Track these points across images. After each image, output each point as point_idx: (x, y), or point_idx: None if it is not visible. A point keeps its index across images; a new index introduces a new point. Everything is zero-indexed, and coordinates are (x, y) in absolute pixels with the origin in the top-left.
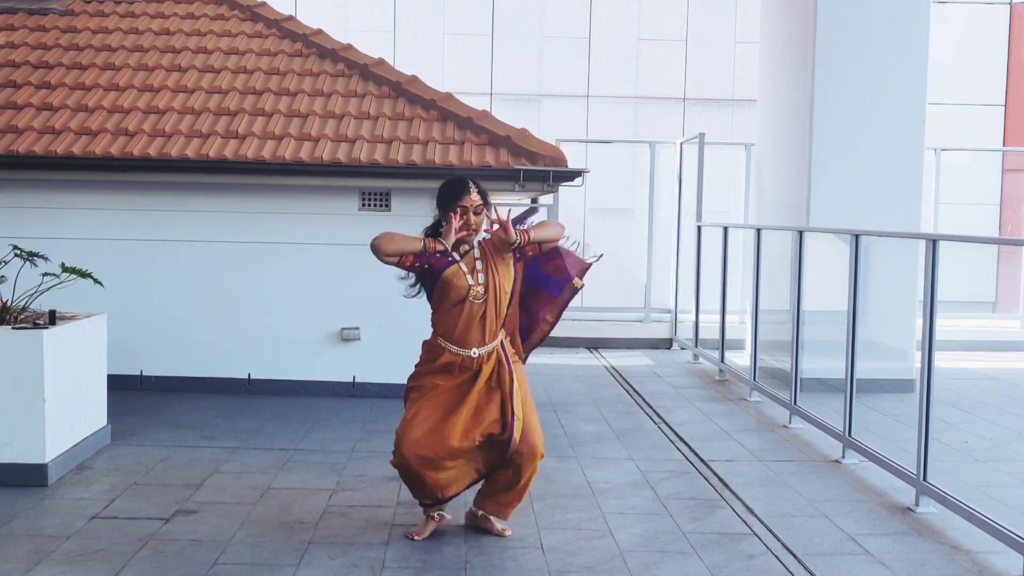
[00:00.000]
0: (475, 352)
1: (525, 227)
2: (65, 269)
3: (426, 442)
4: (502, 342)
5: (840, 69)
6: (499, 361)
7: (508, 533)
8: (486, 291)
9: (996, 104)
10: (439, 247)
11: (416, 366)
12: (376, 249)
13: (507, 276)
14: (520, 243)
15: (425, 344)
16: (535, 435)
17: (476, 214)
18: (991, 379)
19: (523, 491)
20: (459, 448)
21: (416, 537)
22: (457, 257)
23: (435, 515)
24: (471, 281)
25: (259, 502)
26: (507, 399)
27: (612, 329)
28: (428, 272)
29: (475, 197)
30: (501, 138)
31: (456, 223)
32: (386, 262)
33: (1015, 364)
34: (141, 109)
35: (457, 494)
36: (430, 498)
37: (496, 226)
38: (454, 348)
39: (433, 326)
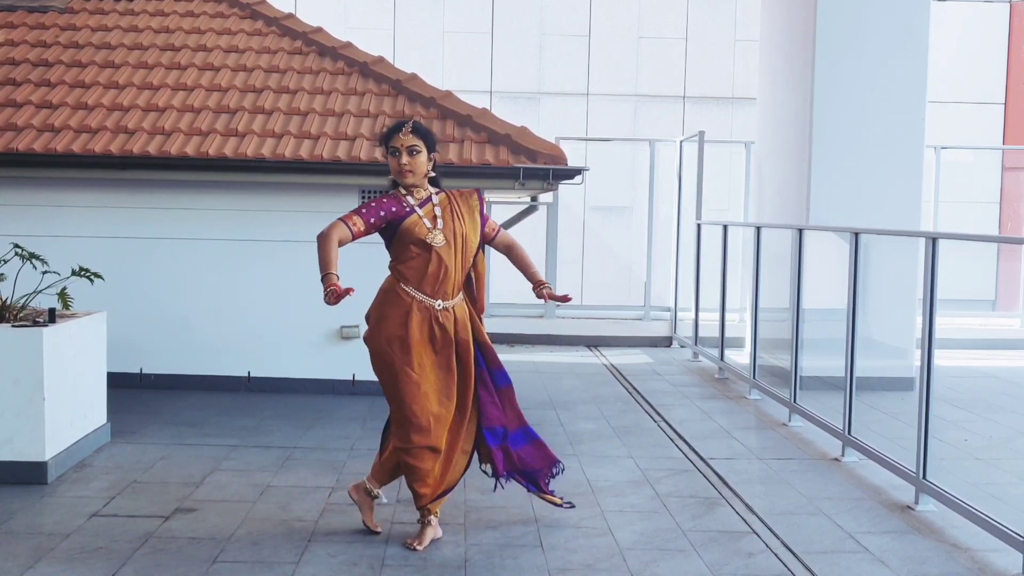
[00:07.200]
0: (440, 304)
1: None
2: (75, 273)
3: (431, 404)
4: (468, 308)
5: (840, 67)
6: (463, 324)
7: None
8: (447, 240)
9: (996, 102)
10: (333, 286)
11: (376, 322)
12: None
13: (473, 227)
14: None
15: (384, 293)
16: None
17: (411, 155)
18: (991, 377)
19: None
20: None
21: (418, 547)
22: (416, 206)
23: (430, 519)
24: (429, 225)
25: (259, 500)
26: (468, 376)
27: (612, 327)
28: (388, 225)
29: (406, 137)
30: (501, 136)
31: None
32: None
33: (1015, 362)
34: (141, 107)
35: (456, 481)
36: (432, 487)
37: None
38: (420, 296)
39: (396, 274)
